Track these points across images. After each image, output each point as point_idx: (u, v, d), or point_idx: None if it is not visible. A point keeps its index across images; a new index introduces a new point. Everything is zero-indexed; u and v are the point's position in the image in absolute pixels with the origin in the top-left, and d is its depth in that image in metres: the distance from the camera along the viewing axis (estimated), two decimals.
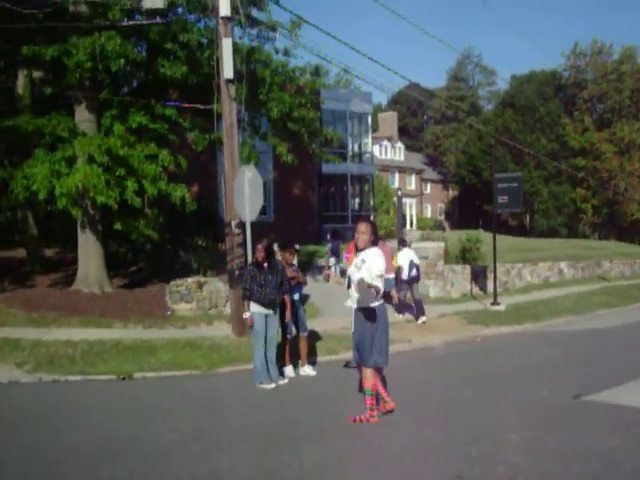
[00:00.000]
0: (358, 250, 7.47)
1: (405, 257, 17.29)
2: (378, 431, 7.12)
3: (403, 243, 18.23)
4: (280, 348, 10.37)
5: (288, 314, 10.00)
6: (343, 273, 19.31)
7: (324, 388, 9.63)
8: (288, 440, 6.78)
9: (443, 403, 8.40)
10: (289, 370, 10.37)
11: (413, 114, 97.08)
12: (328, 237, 22.41)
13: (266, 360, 9.50)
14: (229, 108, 13.04)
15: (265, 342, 9.57)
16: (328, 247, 21.76)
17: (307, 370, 10.46)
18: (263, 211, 34.53)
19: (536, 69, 72.80)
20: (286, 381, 9.80)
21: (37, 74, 18.49)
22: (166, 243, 21.91)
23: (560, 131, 66.59)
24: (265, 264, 9.62)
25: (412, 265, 17.14)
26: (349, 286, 7.51)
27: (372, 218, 41.60)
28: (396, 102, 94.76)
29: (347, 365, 10.68)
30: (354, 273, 7.38)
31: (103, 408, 8.37)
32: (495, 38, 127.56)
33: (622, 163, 63.97)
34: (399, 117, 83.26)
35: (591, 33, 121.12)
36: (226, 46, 12.61)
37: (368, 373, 7.44)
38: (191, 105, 15.71)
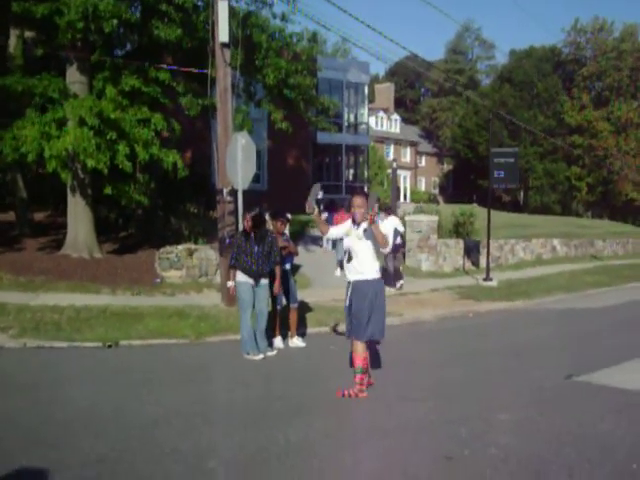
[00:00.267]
0: (355, 223, 7.26)
1: (390, 225, 17.00)
2: (366, 407, 6.99)
3: (388, 211, 18.27)
4: (270, 319, 10.22)
5: (277, 285, 9.74)
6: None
7: (313, 360, 9.50)
8: (274, 415, 6.61)
9: (433, 380, 8.24)
10: (278, 341, 10.21)
11: (410, 86, 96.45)
12: (321, 207, 21.97)
13: (254, 331, 9.32)
14: (223, 72, 12.75)
15: (254, 313, 9.40)
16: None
17: (296, 342, 10.32)
18: (257, 179, 34.58)
19: (535, 44, 72.25)
20: (275, 352, 9.63)
21: (29, 34, 18.08)
22: (158, 209, 21.67)
23: (557, 108, 66.20)
24: (253, 233, 9.39)
25: (396, 233, 17.09)
26: (349, 259, 7.28)
27: (366, 189, 41.41)
28: (393, 74, 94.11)
29: (336, 329, 10.58)
30: (356, 243, 7.21)
31: (87, 377, 8.19)
32: (495, 11, 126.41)
33: (618, 142, 63.76)
34: (396, 89, 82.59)
35: (592, 10, 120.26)
36: (222, 8, 12.29)
37: (360, 347, 7.27)
38: (185, 69, 15.44)
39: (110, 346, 9.93)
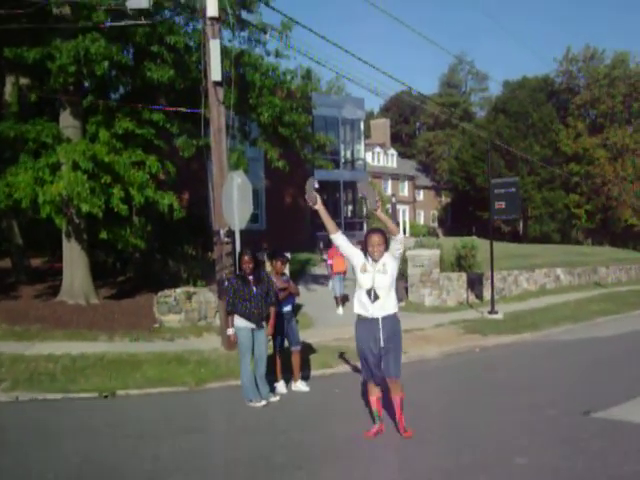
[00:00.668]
0: (372, 259, 7.00)
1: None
2: (375, 454, 6.62)
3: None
4: (271, 363, 9.87)
5: (271, 328, 9.36)
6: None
7: (317, 405, 9.09)
8: (278, 467, 6.25)
9: (443, 422, 7.87)
10: (281, 386, 9.83)
11: (405, 121, 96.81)
12: (322, 245, 21.68)
13: (255, 377, 8.96)
14: (217, 112, 12.55)
15: (253, 358, 9.06)
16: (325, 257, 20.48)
17: (300, 386, 9.92)
18: (255, 219, 34.55)
19: (528, 75, 72.58)
20: (277, 398, 9.24)
21: (24, 80, 17.94)
22: (155, 252, 21.41)
23: (553, 137, 66.21)
24: (251, 276, 9.08)
25: None
26: (375, 297, 6.93)
27: (365, 225, 41.21)
28: (388, 109, 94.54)
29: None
30: (379, 278, 6.93)
31: (80, 431, 7.81)
32: (487, 43, 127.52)
33: (615, 168, 63.66)
34: (391, 124, 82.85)
35: (584, 38, 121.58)
36: (213, 47, 12.12)
37: (399, 385, 7.07)
38: (177, 109, 15.28)
39: (107, 396, 9.57)
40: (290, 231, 32.88)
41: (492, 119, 67.06)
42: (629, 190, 62.30)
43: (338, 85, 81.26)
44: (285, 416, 8.37)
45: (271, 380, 9.78)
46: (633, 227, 63.85)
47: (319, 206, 7.15)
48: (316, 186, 7.17)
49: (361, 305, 7.02)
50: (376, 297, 6.91)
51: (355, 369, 11.35)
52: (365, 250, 7.05)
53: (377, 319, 6.93)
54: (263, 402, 8.87)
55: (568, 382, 10.26)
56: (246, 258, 8.95)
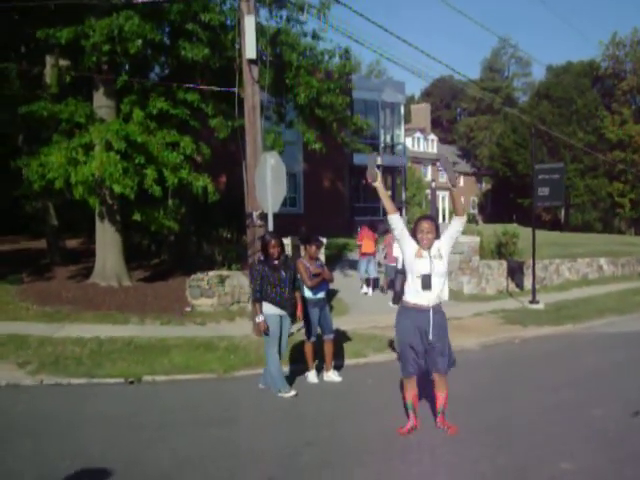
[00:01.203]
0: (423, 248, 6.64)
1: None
2: (408, 454, 6.23)
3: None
4: (302, 350, 9.51)
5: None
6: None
7: (349, 397, 8.69)
8: (304, 466, 5.89)
9: (481, 420, 7.41)
10: (312, 376, 9.47)
11: (446, 106, 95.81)
12: (360, 230, 20.96)
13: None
14: (251, 91, 12.17)
15: (279, 346, 8.72)
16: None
17: (332, 376, 9.55)
18: (293, 203, 34.31)
19: (573, 60, 71.19)
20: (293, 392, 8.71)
21: (64, 62, 17.71)
22: (190, 235, 21.20)
23: (597, 123, 64.75)
24: (277, 260, 8.72)
25: None
26: (427, 283, 6.53)
27: (404, 211, 40.67)
28: (429, 94, 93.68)
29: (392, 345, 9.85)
30: (436, 263, 6.56)
31: (102, 419, 7.52)
32: (532, 27, 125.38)
33: None
34: (432, 109, 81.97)
35: (632, 21, 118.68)
36: (248, 24, 11.72)
37: (445, 381, 6.79)
38: (210, 88, 14.89)
39: (132, 382, 9.32)
40: (328, 215, 32.46)
41: (535, 105, 65.74)
42: None
43: (379, 69, 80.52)
44: (315, 409, 8.00)
45: (303, 369, 9.44)
46: None
47: (379, 184, 6.76)
48: (379, 162, 6.83)
49: (416, 293, 6.60)
50: (431, 285, 6.54)
51: (390, 359, 10.99)
52: (414, 237, 6.66)
53: (428, 309, 6.54)
54: (292, 392, 8.52)
55: (614, 379, 9.74)
56: (273, 242, 8.60)
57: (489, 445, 6.44)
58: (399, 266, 16.95)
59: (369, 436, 6.71)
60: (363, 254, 18.86)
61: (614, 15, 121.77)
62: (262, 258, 8.77)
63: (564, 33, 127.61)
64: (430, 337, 6.51)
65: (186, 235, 20.55)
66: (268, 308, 8.54)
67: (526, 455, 6.12)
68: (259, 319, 8.52)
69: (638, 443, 6.43)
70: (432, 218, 6.80)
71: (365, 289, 18.96)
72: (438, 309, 6.59)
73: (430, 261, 6.51)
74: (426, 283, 6.50)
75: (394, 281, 17.38)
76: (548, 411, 7.74)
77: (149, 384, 9.33)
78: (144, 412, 7.81)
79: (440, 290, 6.60)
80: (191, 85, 15.62)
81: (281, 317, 8.67)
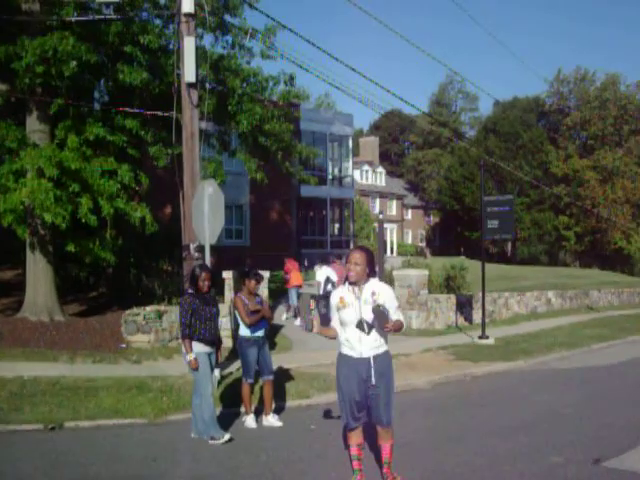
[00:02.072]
0: (350, 284, 5.96)
1: (322, 274, 18.74)
2: None
3: (325, 261, 20.22)
4: (237, 392, 8.83)
5: (219, 355, 8.48)
6: (325, 319, 17.97)
7: (289, 446, 7.92)
8: None
9: (435, 471, 6.80)
10: (250, 420, 8.75)
11: (394, 140, 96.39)
12: (307, 263, 20.56)
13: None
14: (190, 116, 11.56)
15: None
16: (330, 276, 19.08)
17: (271, 420, 8.85)
18: (239, 235, 33.61)
19: (519, 95, 72.39)
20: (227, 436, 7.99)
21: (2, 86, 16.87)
22: (129, 267, 20.31)
23: (543, 158, 65.73)
24: (207, 294, 8.07)
25: (328, 281, 18.44)
26: (368, 329, 5.86)
27: (352, 244, 40.26)
28: (377, 128, 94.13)
29: (327, 415, 9.07)
30: (366, 310, 5.83)
31: (6, 476, 6.69)
32: (479, 62, 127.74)
33: (605, 191, 63.10)
34: (380, 143, 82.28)
35: (575, 59, 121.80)
36: (188, 45, 11.14)
37: (390, 432, 6.06)
38: (149, 113, 14.23)
39: (53, 428, 8.47)
40: (275, 248, 31.82)
41: (482, 139, 66.54)
42: (620, 213, 61.62)
43: (327, 101, 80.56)
44: (252, 459, 7.26)
45: (236, 413, 8.75)
46: (622, 250, 63.19)
47: (316, 330, 6.02)
48: (312, 307, 6.22)
49: (348, 344, 5.97)
50: (367, 331, 5.88)
51: (335, 400, 10.34)
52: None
53: (368, 359, 5.90)
54: (227, 436, 7.83)
55: (570, 420, 9.23)
56: (203, 275, 7.97)
57: None
58: (320, 291, 18.41)
59: None
60: (292, 286, 19.60)
61: (559, 50, 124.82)
62: (191, 291, 8.08)
63: (511, 67, 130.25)
64: (373, 382, 5.88)
65: (125, 267, 19.69)
66: (198, 346, 7.85)
67: None
68: (189, 357, 7.78)
69: None
70: (365, 250, 6.10)
71: (298, 321, 19.13)
72: (380, 357, 5.93)
73: (359, 307, 5.88)
74: (360, 330, 5.88)
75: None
76: (504, 459, 7.13)
77: (71, 431, 8.50)
78: (58, 465, 6.94)
79: (376, 338, 5.90)
80: (128, 109, 14.91)
81: (209, 355, 8.03)
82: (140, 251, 20.62)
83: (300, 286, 19.83)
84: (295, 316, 19.44)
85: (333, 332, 6.10)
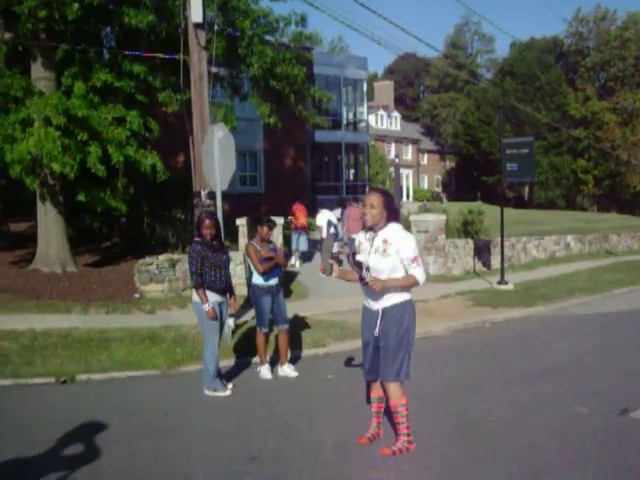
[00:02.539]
0: (367, 229, 5.60)
1: (323, 217, 18.88)
2: (363, 470, 5.36)
3: (322, 206, 20.12)
4: (252, 342, 8.62)
5: (234, 303, 8.26)
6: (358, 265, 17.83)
7: (305, 397, 7.72)
8: None
9: (449, 422, 6.52)
10: (265, 370, 8.55)
11: (409, 84, 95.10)
12: (322, 210, 20.09)
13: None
14: (198, 57, 11.12)
15: (220, 337, 7.83)
16: (331, 220, 19.17)
17: (287, 370, 8.65)
18: (253, 182, 33.28)
19: (537, 36, 70.80)
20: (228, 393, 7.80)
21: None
22: (143, 216, 20.09)
23: (561, 100, 64.59)
24: (215, 241, 7.79)
25: (330, 224, 18.55)
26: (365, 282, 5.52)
27: (367, 189, 39.85)
28: (392, 72, 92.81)
29: (349, 363, 8.86)
30: (377, 260, 5.45)
31: (14, 430, 6.51)
32: (496, 3, 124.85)
33: (625, 133, 62.07)
34: (395, 87, 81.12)
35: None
36: None
37: (394, 389, 5.56)
38: (155, 55, 13.80)
39: (65, 382, 8.32)
40: (290, 195, 31.55)
41: (499, 81, 65.32)
42: (638, 155, 60.65)
43: (341, 46, 79.33)
44: (266, 412, 7.05)
45: (248, 363, 8.55)
46: None
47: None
48: (335, 250, 5.73)
49: (364, 292, 5.68)
50: (366, 284, 5.52)
51: (352, 348, 10.14)
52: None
53: (377, 311, 5.58)
54: (227, 392, 7.68)
55: (593, 368, 8.96)
56: (207, 222, 7.63)
57: (460, 455, 5.59)
58: (323, 235, 18.70)
59: (324, 447, 5.81)
60: (294, 228, 19.54)
61: None
62: (198, 239, 7.79)
63: (527, 8, 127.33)
64: (376, 333, 5.57)
65: (138, 217, 19.46)
66: (209, 295, 7.60)
67: (505, 467, 5.28)
68: (206, 307, 7.51)
69: (631, 451, 5.61)
70: (381, 191, 5.65)
71: (293, 261, 19.20)
72: (390, 309, 5.50)
73: (367, 256, 5.56)
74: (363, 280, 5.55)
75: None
76: (527, 410, 6.88)
77: (83, 384, 8.34)
78: (69, 419, 6.74)
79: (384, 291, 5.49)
80: (135, 53, 14.46)
81: (220, 304, 7.78)
82: (153, 200, 20.38)
83: (304, 229, 19.68)
84: (299, 259, 19.49)
85: (352, 275, 5.77)
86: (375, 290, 5.35)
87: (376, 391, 5.85)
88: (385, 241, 5.43)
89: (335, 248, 17.58)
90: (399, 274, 5.44)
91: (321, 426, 6.47)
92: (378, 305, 5.55)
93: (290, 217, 19.62)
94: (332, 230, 18.47)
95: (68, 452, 5.76)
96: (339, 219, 20.17)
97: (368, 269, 5.52)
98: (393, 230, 5.48)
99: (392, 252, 5.40)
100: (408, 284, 5.44)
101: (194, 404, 7.41)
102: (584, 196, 67.96)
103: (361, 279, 5.48)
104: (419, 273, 5.41)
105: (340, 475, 5.25)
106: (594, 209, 64.97)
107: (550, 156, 62.95)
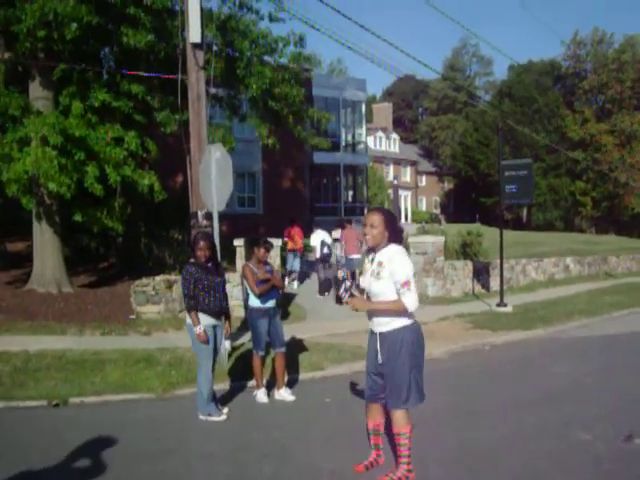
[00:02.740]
0: (368, 250, 5.50)
1: (317, 238, 19.02)
2: None
3: (317, 226, 20.64)
4: (247, 365, 8.48)
5: (229, 327, 8.10)
6: (326, 283, 18.09)
7: (302, 422, 7.57)
8: None
9: (452, 448, 6.40)
10: (261, 394, 8.41)
11: (408, 106, 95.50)
12: (316, 230, 20.08)
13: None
14: (196, 78, 11.05)
15: (213, 361, 7.69)
16: (324, 240, 19.25)
17: (284, 394, 8.50)
18: (252, 203, 33.21)
19: (534, 59, 71.13)
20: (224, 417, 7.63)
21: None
22: (140, 236, 19.97)
23: (559, 122, 64.78)
24: (210, 263, 7.68)
25: (323, 244, 18.65)
26: (341, 301, 5.47)
27: (365, 210, 39.77)
28: (391, 94, 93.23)
29: (354, 388, 8.70)
30: (371, 283, 5.35)
31: (3, 456, 6.33)
32: (493, 26, 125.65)
33: (623, 155, 62.19)
34: (394, 109, 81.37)
35: (592, 20, 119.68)
36: (192, 3, 10.62)
37: (398, 416, 5.40)
38: (153, 75, 13.76)
39: (57, 405, 8.17)
40: (287, 215, 31.45)
41: (497, 103, 65.52)
42: (637, 177, 60.70)
43: (340, 68, 79.68)
44: (263, 436, 6.90)
45: (243, 387, 8.41)
46: (639, 216, 62.40)
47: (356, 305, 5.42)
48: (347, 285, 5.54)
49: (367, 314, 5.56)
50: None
51: (351, 372, 10.01)
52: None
53: (376, 334, 5.47)
54: (224, 416, 7.54)
55: (595, 392, 8.83)
56: (201, 244, 7.50)
57: None
58: (317, 255, 18.78)
59: (322, 474, 5.67)
60: (290, 250, 19.78)
61: (575, 13, 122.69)
62: (193, 260, 7.68)
63: (526, 31, 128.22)
64: (379, 360, 5.43)
65: (135, 237, 19.35)
66: (200, 318, 7.46)
67: None
68: (198, 330, 7.40)
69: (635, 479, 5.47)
70: (383, 211, 5.51)
71: (287, 282, 19.40)
72: (389, 334, 5.35)
73: (367, 280, 5.45)
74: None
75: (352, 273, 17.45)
76: (530, 437, 6.70)
77: (76, 407, 8.19)
78: (59, 443, 6.61)
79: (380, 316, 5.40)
80: (133, 72, 14.41)
81: (214, 327, 7.66)
82: (150, 220, 20.28)
83: (298, 250, 19.86)
84: (293, 280, 19.58)
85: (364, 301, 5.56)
86: (354, 310, 5.32)
87: (372, 421, 5.70)
88: (380, 263, 5.30)
89: (339, 273, 17.45)
90: (395, 298, 5.29)
91: (318, 452, 6.33)
92: (377, 329, 5.43)
93: (286, 239, 19.71)
94: (325, 250, 18.61)
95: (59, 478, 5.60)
96: (337, 240, 20.05)
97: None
98: (389, 251, 5.33)
99: (385, 275, 5.25)
100: (394, 309, 5.25)
101: (189, 428, 7.26)
102: (582, 218, 67.93)
103: (338, 298, 5.40)
104: (409, 299, 5.19)
105: None
106: (592, 231, 64.89)
107: (548, 178, 63.01)
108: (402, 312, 5.25)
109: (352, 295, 5.38)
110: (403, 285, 5.19)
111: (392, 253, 5.30)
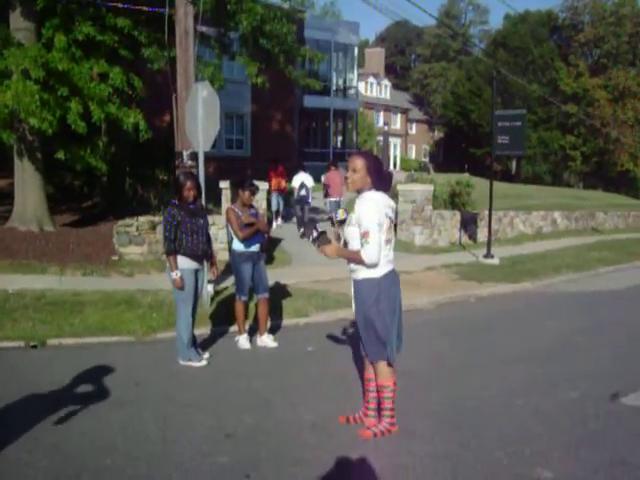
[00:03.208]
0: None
1: (297, 179, 19.43)
2: (347, 455, 5.07)
3: (302, 168, 20.26)
4: (230, 310, 8.31)
5: (215, 270, 7.95)
6: (302, 222, 18.22)
7: (284, 370, 7.41)
8: (220, 472, 4.69)
9: (435, 402, 6.30)
10: (243, 340, 8.24)
11: (401, 52, 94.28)
12: (299, 172, 19.85)
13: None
14: (184, 12, 10.62)
15: (194, 305, 7.50)
16: (304, 182, 19.62)
17: (266, 340, 8.35)
18: (239, 145, 32.79)
19: (531, 9, 70.05)
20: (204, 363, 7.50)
21: None
22: (125, 176, 19.58)
23: (553, 75, 64.06)
24: (194, 205, 7.44)
25: (302, 186, 19.11)
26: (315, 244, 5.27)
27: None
28: (383, 39, 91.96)
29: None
30: (345, 228, 5.23)
31: None
32: None
33: (615, 111, 61.73)
34: (386, 55, 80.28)
35: None
36: None
37: (378, 368, 5.28)
38: (138, 8, 13.27)
39: (35, 346, 7.97)
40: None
41: (491, 53, 64.63)
42: (629, 134, 60.38)
43: (333, 10, 78.24)
44: (243, 384, 6.74)
45: (224, 331, 8.24)
46: (628, 172, 62.30)
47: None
48: (318, 230, 5.27)
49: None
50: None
51: (335, 319, 9.87)
52: None
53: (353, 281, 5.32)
54: (204, 362, 7.40)
55: (583, 349, 8.72)
56: (188, 184, 7.26)
57: (448, 441, 5.32)
58: (296, 196, 19.34)
59: (303, 426, 5.53)
60: (273, 190, 19.89)
61: None
62: (176, 202, 7.42)
63: None
64: (353, 308, 5.34)
65: (120, 176, 18.96)
66: (183, 262, 7.25)
67: (492, 455, 5.01)
68: (175, 275, 7.18)
69: (623, 441, 5.35)
70: (367, 155, 5.28)
71: (279, 222, 20.48)
72: (357, 283, 5.21)
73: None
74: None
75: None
76: (516, 393, 6.56)
77: (54, 349, 7.97)
78: (33, 385, 6.41)
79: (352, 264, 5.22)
80: (119, 5, 13.87)
81: (196, 271, 7.45)
82: (136, 160, 19.87)
83: (281, 191, 20.35)
84: (275, 218, 20.27)
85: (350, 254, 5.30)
86: (324, 254, 5.18)
87: (366, 372, 5.56)
88: (355, 209, 5.12)
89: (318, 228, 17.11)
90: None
91: (300, 402, 6.18)
92: (350, 275, 5.29)
93: (270, 179, 19.88)
94: (303, 192, 19.00)
95: (28, 423, 5.41)
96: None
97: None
98: (362, 197, 5.13)
99: (354, 222, 5.09)
100: (357, 259, 5.06)
101: (168, 374, 7.08)
102: (571, 172, 67.78)
103: (313, 241, 5.17)
104: (366, 251, 4.97)
105: (317, 457, 4.95)
106: (580, 186, 64.85)
107: (539, 131, 62.57)
108: (362, 263, 5.05)
109: (319, 238, 5.16)
110: (363, 235, 5.00)
111: (362, 199, 5.11)
